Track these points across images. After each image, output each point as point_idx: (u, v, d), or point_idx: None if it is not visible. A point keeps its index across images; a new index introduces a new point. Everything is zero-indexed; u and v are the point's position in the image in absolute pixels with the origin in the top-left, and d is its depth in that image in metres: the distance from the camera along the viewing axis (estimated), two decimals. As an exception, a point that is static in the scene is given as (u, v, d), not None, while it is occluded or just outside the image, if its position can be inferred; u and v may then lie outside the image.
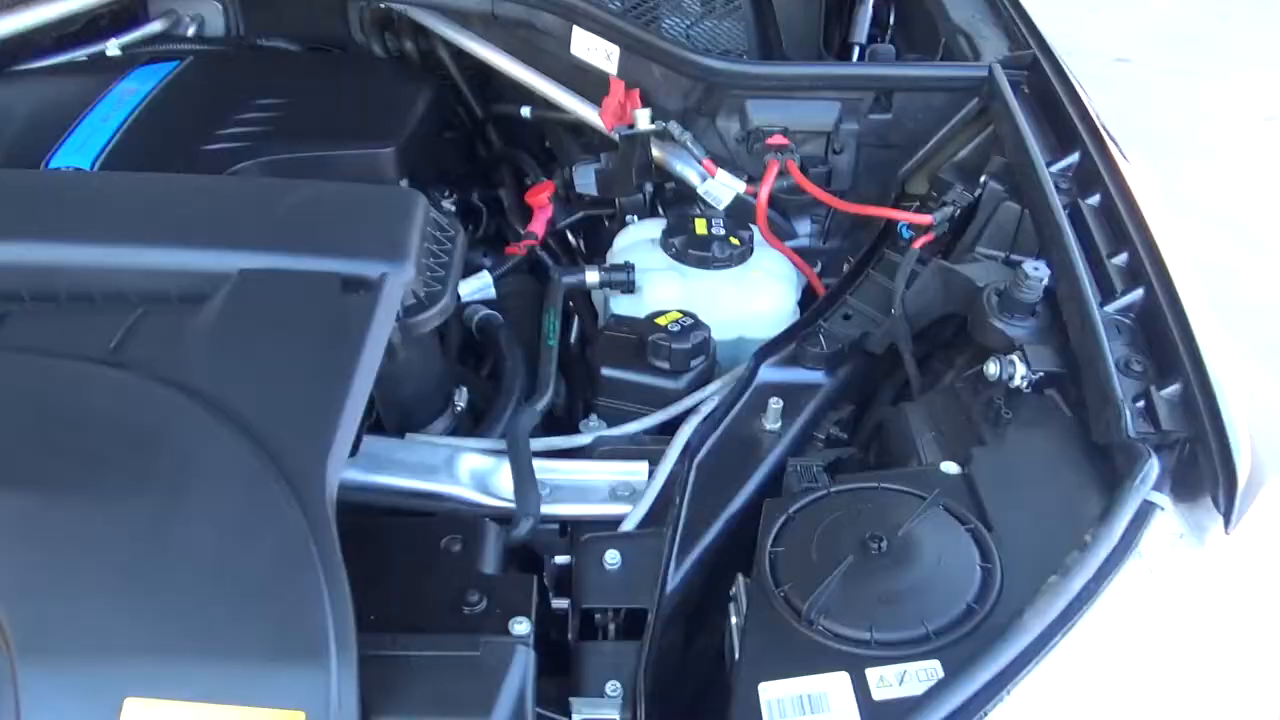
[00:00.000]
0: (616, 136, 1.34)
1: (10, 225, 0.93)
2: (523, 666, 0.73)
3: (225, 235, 0.95)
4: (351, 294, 0.89)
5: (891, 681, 0.73)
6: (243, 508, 0.73)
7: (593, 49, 1.37)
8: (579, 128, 1.62)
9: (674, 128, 1.31)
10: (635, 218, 1.38)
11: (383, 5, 1.57)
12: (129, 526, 0.71)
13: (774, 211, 1.35)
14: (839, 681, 0.73)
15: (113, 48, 1.62)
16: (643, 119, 1.31)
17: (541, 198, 1.38)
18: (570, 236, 1.54)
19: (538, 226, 1.36)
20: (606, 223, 1.43)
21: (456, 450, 0.98)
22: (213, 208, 1.01)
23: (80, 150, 1.30)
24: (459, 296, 1.08)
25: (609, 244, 1.39)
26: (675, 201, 1.41)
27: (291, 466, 0.75)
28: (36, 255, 0.91)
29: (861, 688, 0.73)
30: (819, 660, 0.75)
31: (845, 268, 1.36)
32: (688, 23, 1.47)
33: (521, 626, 0.77)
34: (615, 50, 1.35)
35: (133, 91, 1.43)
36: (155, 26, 1.70)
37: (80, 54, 1.62)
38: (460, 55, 1.73)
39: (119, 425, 0.78)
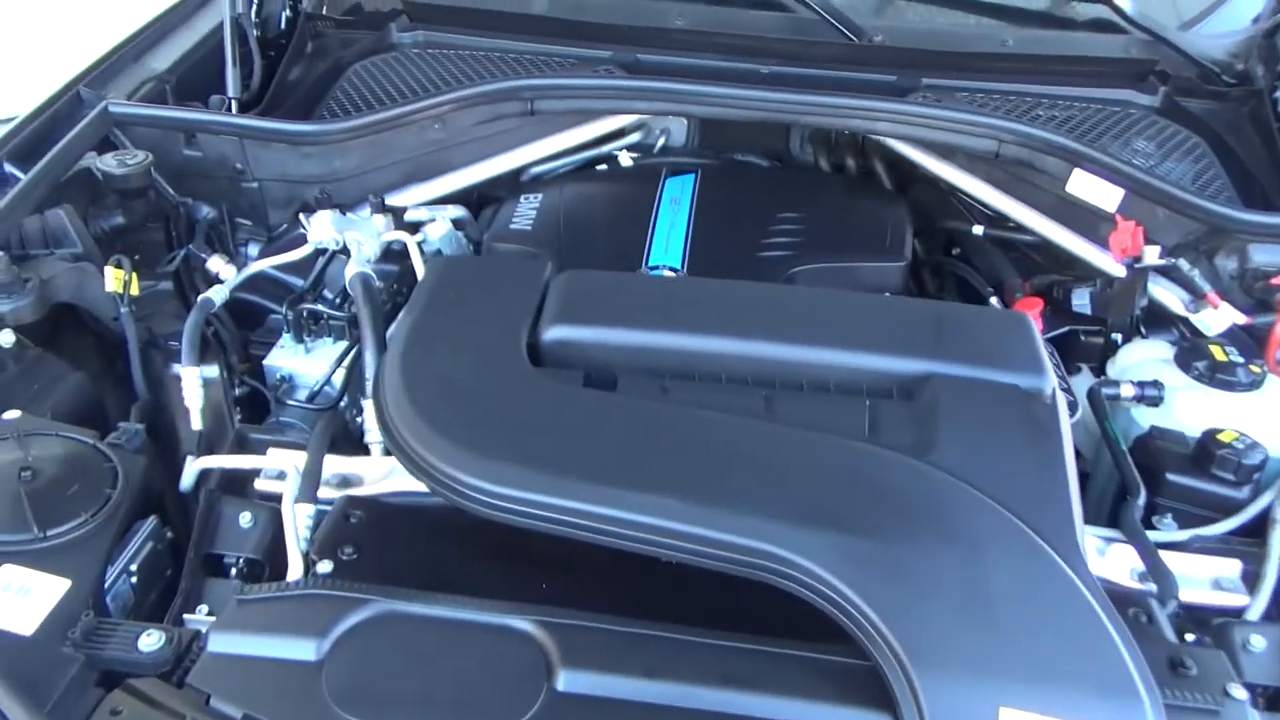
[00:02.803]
0: (1123, 268, 1.54)
1: (748, 329, 1.20)
2: None
3: (899, 345, 1.19)
4: (1036, 403, 1.11)
5: None
6: (1028, 567, 0.95)
7: (1092, 189, 1.58)
8: (1012, 245, 1.83)
9: (1183, 264, 1.50)
10: (1119, 336, 1.56)
11: (890, 142, 1.81)
12: (958, 570, 0.94)
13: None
14: None
15: (625, 158, 1.96)
16: (1151, 254, 1.51)
17: (1034, 312, 1.58)
18: None
19: (1038, 338, 1.56)
20: (1083, 338, 1.62)
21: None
22: (872, 320, 1.26)
23: (665, 252, 1.60)
24: None
25: (1083, 356, 1.59)
26: (1150, 323, 1.59)
27: (1052, 541, 0.96)
28: (775, 353, 1.17)
29: None
30: None
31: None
32: (1150, 163, 1.66)
33: (1240, 692, 0.95)
34: (1120, 192, 1.55)
35: (676, 200, 1.74)
36: (635, 137, 2.03)
37: (591, 156, 1.95)
38: (890, 171, 1.99)
39: (909, 492, 1.01)
